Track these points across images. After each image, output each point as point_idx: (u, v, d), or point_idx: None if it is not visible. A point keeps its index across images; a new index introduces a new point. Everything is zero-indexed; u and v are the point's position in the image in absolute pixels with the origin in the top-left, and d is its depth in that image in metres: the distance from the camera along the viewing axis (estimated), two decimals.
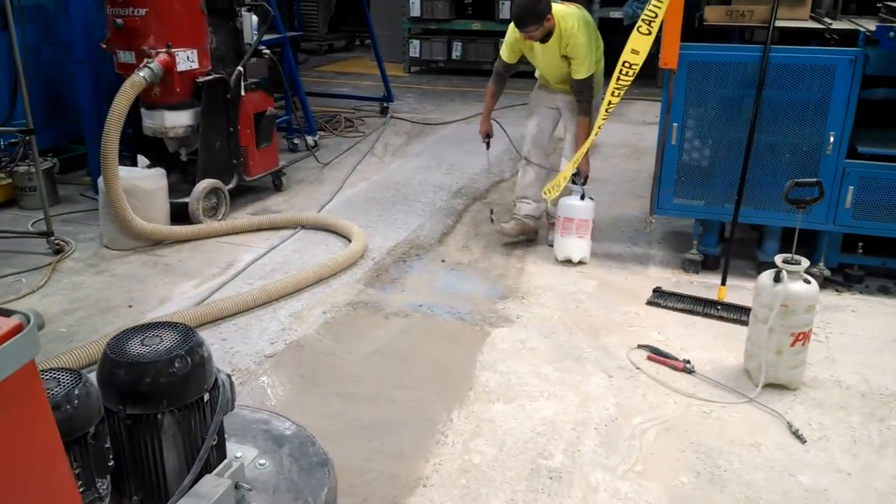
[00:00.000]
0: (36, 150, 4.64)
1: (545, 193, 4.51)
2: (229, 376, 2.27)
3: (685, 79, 4.11)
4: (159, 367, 1.97)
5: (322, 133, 7.67)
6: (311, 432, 2.55)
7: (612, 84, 3.83)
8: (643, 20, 3.75)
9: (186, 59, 4.76)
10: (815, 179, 3.25)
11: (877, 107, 4.11)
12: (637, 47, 3.74)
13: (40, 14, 5.95)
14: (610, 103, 3.83)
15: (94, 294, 4.12)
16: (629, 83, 3.80)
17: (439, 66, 11.86)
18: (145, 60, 4.58)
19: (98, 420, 1.91)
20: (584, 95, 4.44)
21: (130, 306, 3.98)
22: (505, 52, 4.67)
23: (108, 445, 1.95)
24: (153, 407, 1.98)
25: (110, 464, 1.98)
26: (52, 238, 4.61)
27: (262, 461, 2.35)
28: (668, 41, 3.94)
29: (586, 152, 4.36)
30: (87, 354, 3.27)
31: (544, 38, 4.37)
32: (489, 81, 4.89)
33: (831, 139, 3.94)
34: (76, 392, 1.85)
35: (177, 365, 1.98)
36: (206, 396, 2.08)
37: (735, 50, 4.09)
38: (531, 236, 4.91)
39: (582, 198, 4.50)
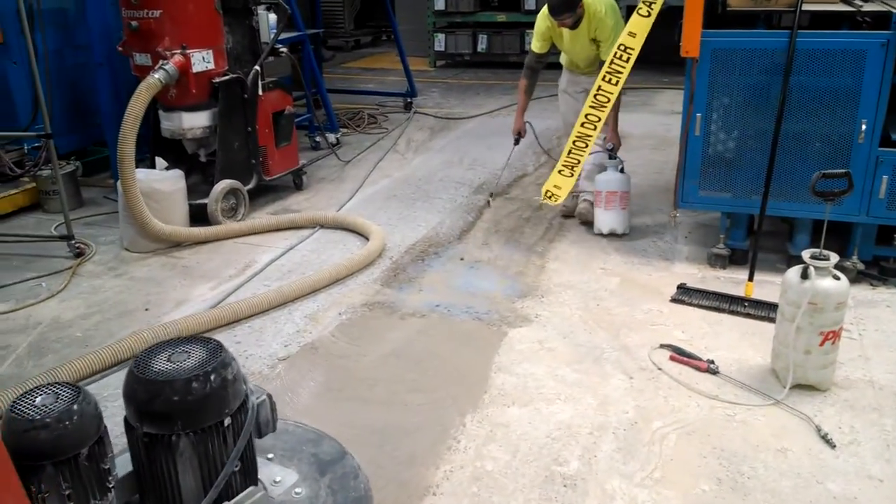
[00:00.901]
0: (55, 154, 4.66)
1: (551, 200, 4.31)
2: (270, 397, 2.21)
3: (709, 67, 3.96)
4: (176, 386, 1.93)
5: (345, 130, 7.64)
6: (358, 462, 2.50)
7: (605, 68, 3.56)
8: (643, 1, 3.58)
9: (202, 60, 4.74)
10: (843, 170, 3.09)
11: None
12: (635, 30, 3.52)
13: (61, 18, 5.99)
14: (600, 88, 3.49)
15: (112, 297, 4.12)
16: (627, 69, 3.53)
17: (465, 59, 11.75)
18: (160, 62, 4.57)
19: (94, 439, 1.88)
20: None
21: (147, 309, 3.98)
22: (536, 44, 4.96)
23: (106, 466, 1.92)
24: (168, 428, 1.94)
25: (110, 484, 1.94)
26: (73, 242, 4.64)
27: (298, 489, 2.28)
28: (690, 28, 3.80)
29: (615, 125, 4.67)
30: (87, 364, 3.26)
31: (574, 24, 4.61)
32: (521, 77, 5.18)
33: (863, 127, 3.76)
34: (69, 411, 1.82)
35: (194, 386, 1.94)
36: (228, 421, 2.02)
37: (760, 36, 3.93)
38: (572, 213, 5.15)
39: (621, 171, 4.74)
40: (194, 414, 1.95)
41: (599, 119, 3.32)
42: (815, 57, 3.77)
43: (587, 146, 3.34)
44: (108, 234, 5.01)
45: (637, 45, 3.36)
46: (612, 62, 3.42)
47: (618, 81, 3.27)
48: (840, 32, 3.81)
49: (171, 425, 1.94)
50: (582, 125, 3.28)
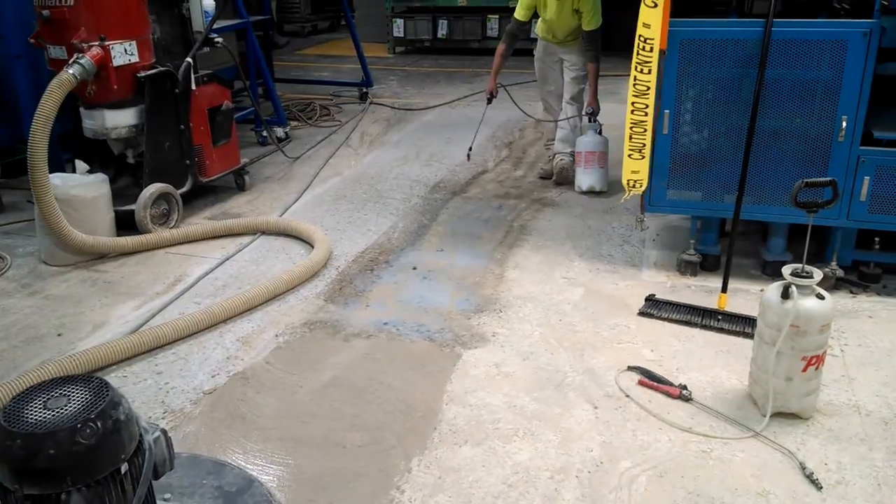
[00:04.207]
0: None
1: (637, 188, 3.99)
2: (164, 432, 1.93)
3: (677, 59, 3.65)
4: (60, 438, 1.65)
5: (295, 123, 7.22)
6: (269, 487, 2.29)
7: (634, 59, 3.47)
8: None
9: (124, 52, 4.30)
10: (827, 179, 2.79)
11: (895, 85, 3.63)
12: (647, 21, 3.38)
13: None
14: (636, 79, 3.47)
15: (22, 321, 3.69)
16: (654, 57, 3.42)
17: (425, 45, 11.35)
18: (75, 56, 4.11)
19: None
20: (594, 44, 5.14)
21: (60, 335, 3.56)
22: (520, 12, 5.23)
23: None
24: (55, 486, 1.66)
25: None
26: None
27: None
28: (666, 17, 3.46)
29: (594, 92, 5.24)
30: None
31: None
32: (500, 43, 5.45)
33: (844, 124, 3.47)
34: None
35: (81, 435, 1.66)
36: (125, 467, 1.75)
37: (733, 25, 3.64)
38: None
39: (599, 132, 5.23)
40: (85, 466, 1.68)
41: (646, 105, 3.31)
42: (792, 47, 3.47)
43: (646, 131, 3.34)
44: (27, 245, 4.56)
45: (655, 34, 3.37)
46: (638, 53, 3.37)
47: (650, 70, 3.39)
48: (819, 21, 3.52)
49: (59, 482, 1.66)
50: (632, 112, 3.36)
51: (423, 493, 2.53)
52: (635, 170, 3.58)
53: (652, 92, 3.42)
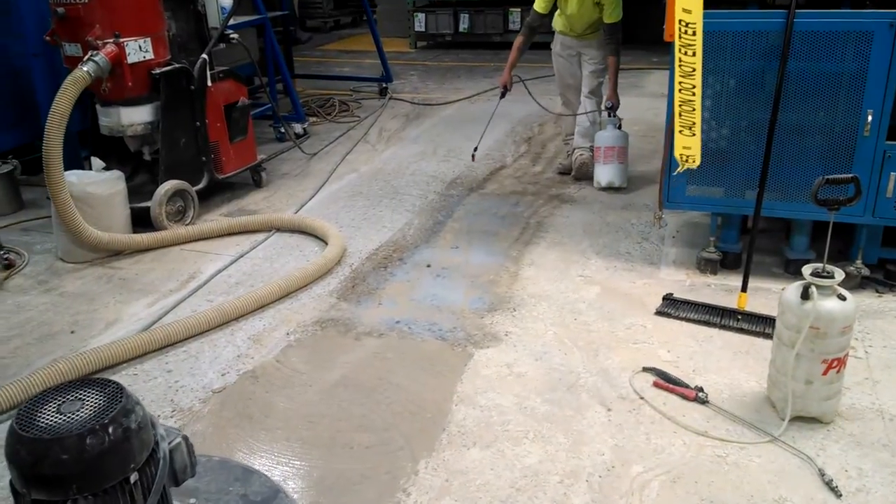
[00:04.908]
0: None
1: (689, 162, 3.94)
2: (185, 438, 1.90)
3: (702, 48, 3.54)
4: (67, 444, 1.61)
5: (314, 119, 7.20)
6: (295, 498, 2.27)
7: (677, 42, 3.41)
8: None
9: (138, 49, 4.29)
10: (849, 175, 2.69)
11: None
12: (688, 6, 3.31)
13: (1, 4, 5.52)
14: (681, 60, 3.42)
15: (37, 318, 3.71)
16: (697, 40, 3.38)
17: (446, 39, 11.29)
18: (90, 53, 4.12)
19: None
20: (615, 37, 5.03)
21: (73, 332, 3.57)
22: (540, 4, 5.12)
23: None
24: (60, 493, 1.63)
25: None
26: (1, 252, 4.22)
27: None
28: (673, 8, 3.37)
29: (614, 86, 5.12)
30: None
31: None
32: (518, 35, 5.38)
33: (869, 118, 3.36)
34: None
35: (90, 441, 1.62)
36: (135, 476, 1.70)
37: (754, 16, 3.52)
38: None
39: (619, 127, 5.10)
40: (92, 474, 1.64)
41: (693, 85, 3.29)
42: (816, 39, 3.36)
43: (695, 109, 3.30)
44: (45, 241, 4.58)
45: (696, 18, 3.34)
46: (681, 37, 3.34)
47: (695, 52, 3.34)
48: (843, 12, 3.39)
49: (65, 489, 1.63)
50: (679, 92, 3.33)
51: (429, 497, 2.48)
52: (687, 146, 3.53)
53: (698, 73, 3.37)
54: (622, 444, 2.70)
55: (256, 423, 2.89)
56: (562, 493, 2.48)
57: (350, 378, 3.16)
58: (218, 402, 3.02)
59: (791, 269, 3.78)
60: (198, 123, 4.76)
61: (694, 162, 3.57)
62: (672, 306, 3.57)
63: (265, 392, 3.08)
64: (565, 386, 3.05)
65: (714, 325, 3.42)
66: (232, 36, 4.93)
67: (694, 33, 3.36)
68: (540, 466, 2.60)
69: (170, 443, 1.86)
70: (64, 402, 1.72)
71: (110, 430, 1.65)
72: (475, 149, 5.56)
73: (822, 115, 3.46)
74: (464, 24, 10.93)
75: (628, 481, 2.52)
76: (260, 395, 3.06)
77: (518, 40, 5.32)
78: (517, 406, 2.93)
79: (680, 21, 3.38)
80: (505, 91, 5.45)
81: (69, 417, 1.66)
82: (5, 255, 4.22)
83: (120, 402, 1.71)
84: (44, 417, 1.67)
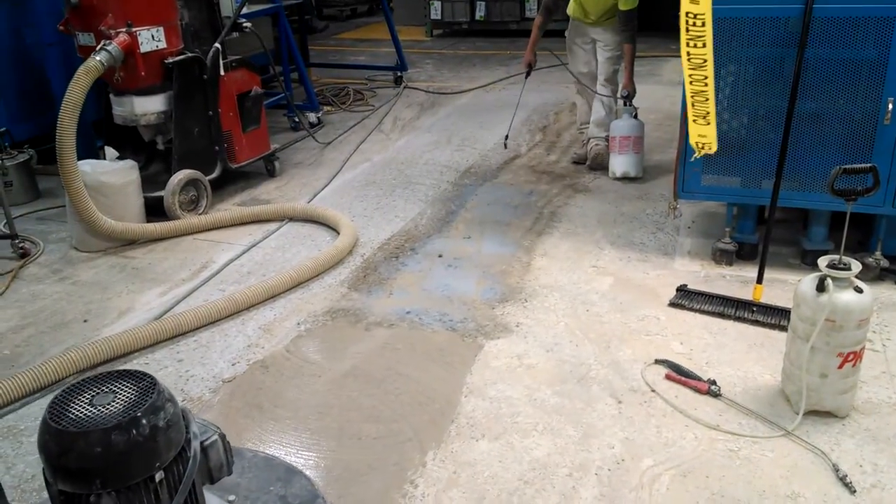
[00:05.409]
0: None
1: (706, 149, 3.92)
2: (223, 437, 1.89)
3: (713, 38, 3.47)
4: (92, 439, 1.61)
5: (328, 108, 7.19)
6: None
7: (683, 36, 3.35)
8: None
9: (151, 39, 4.29)
10: (867, 165, 2.62)
11: None
12: None
13: None
14: (689, 53, 3.37)
15: (51, 306, 3.73)
16: (707, 31, 3.30)
17: (462, 27, 11.21)
18: (102, 42, 4.12)
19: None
20: (629, 24, 4.95)
21: (86, 321, 3.59)
22: None
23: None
24: (84, 486, 1.63)
25: None
26: (17, 241, 4.25)
27: None
28: None
29: (630, 74, 5.05)
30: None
31: None
32: (537, 15, 5.40)
33: (889, 106, 3.29)
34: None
35: (114, 438, 1.62)
36: (160, 475, 1.69)
37: (772, 2, 3.44)
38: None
39: (635, 117, 5.06)
40: (116, 470, 1.64)
41: (705, 76, 3.26)
42: (835, 25, 3.29)
43: (708, 100, 3.26)
44: (60, 231, 4.61)
45: (704, 9, 3.27)
46: (688, 30, 3.28)
47: (704, 44, 3.28)
48: None
49: (89, 483, 1.63)
50: (691, 84, 3.32)
51: (436, 488, 2.47)
52: (702, 134, 3.49)
53: (709, 64, 3.32)
54: (632, 438, 2.67)
55: (266, 412, 2.90)
56: (570, 487, 2.46)
57: (360, 368, 3.15)
58: (228, 392, 3.03)
59: (808, 260, 3.72)
60: (210, 113, 4.76)
61: (710, 148, 3.52)
62: (686, 297, 3.52)
63: (275, 382, 3.08)
64: (576, 378, 3.02)
65: (729, 316, 3.38)
66: (245, 25, 4.91)
67: (703, 24, 3.29)
68: (549, 459, 2.58)
69: (206, 440, 1.85)
70: (98, 393, 1.72)
71: (137, 426, 1.64)
72: (506, 136, 5.71)
73: (841, 103, 3.39)
74: (480, 12, 10.86)
75: (638, 475, 2.49)
76: (270, 384, 3.07)
77: (537, 20, 5.35)
78: (527, 398, 2.91)
79: (687, 13, 3.32)
80: (530, 70, 5.49)
81: (99, 411, 1.66)
82: (21, 244, 4.25)
83: (150, 398, 1.69)
84: (75, 409, 1.67)
